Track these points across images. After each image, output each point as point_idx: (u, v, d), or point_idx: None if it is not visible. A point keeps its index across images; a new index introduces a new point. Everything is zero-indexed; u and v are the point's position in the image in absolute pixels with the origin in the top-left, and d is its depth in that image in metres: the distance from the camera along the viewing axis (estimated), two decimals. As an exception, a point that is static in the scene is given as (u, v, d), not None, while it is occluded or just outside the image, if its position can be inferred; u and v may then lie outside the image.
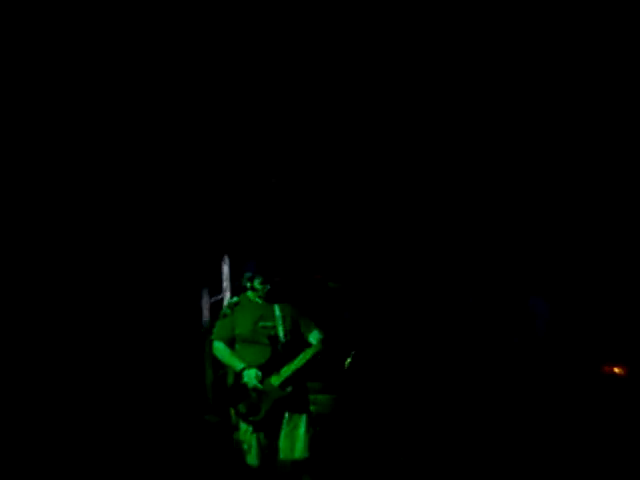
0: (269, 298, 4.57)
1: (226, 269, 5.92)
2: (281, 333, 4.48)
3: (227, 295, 5.90)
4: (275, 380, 4.41)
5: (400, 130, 6.03)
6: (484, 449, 5.07)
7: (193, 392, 5.46)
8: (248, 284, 4.59)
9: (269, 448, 4.40)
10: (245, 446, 4.41)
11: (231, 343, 4.54)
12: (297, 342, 4.51)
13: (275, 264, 4.68)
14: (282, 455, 4.38)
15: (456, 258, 6.29)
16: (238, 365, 4.43)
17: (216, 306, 5.93)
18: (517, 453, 4.77)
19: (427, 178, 6.26)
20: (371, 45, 5.28)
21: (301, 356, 4.43)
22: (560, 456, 5.01)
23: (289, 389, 4.41)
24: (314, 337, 4.52)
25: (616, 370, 5.59)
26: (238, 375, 4.41)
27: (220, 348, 4.53)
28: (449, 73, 5.55)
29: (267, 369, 4.41)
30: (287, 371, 4.41)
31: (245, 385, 4.38)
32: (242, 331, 4.51)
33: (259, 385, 4.35)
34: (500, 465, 4.76)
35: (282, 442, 4.40)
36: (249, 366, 4.39)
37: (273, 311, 4.54)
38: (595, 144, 5.82)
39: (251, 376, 4.37)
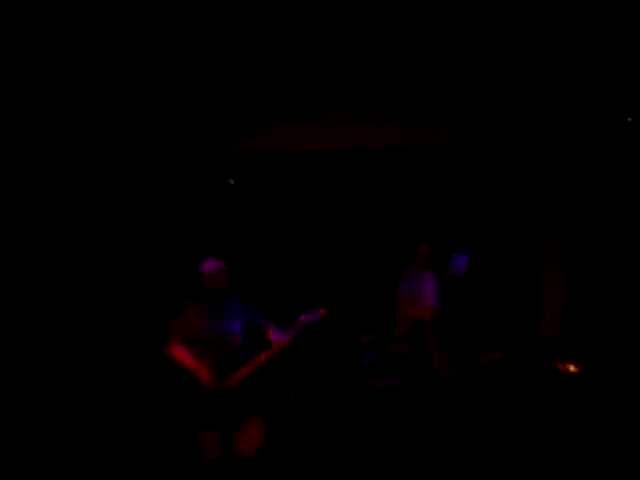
0: (228, 297, 4.54)
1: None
2: (238, 334, 4.47)
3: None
4: (233, 380, 4.40)
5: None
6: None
7: (152, 394, 5.42)
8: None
9: (227, 446, 4.41)
10: (204, 445, 4.41)
11: (188, 342, 4.48)
12: (256, 342, 4.49)
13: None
14: (240, 453, 4.40)
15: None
16: (197, 367, 4.39)
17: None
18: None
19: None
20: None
21: (260, 356, 4.42)
22: (513, 454, 5.05)
23: (246, 389, 4.40)
24: (274, 337, 4.51)
25: (570, 368, 5.64)
26: (196, 376, 4.40)
27: (179, 350, 4.48)
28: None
29: (224, 369, 4.41)
30: (245, 371, 4.41)
31: (202, 386, 4.37)
32: (199, 331, 4.46)
33: (216, 386, 4.35)
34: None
35: (240, 441, 4.41)
36: (207, 367, 4.38)
37: (232, 310, 4.52)
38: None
39: (209, 377, 4.37)
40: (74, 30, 4.72)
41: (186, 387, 4.42)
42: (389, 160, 6.26)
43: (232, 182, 5.86)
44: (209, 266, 4.49)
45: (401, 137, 5.87)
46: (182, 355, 4.43)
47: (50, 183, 5.46)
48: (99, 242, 5.68)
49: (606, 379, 5.50)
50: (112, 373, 5.59)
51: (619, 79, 5.28)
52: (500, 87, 5.61)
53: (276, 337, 4.46)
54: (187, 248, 5.71)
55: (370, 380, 5.88)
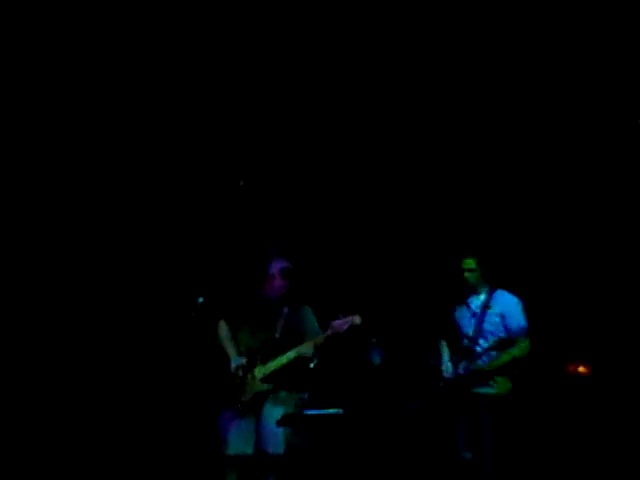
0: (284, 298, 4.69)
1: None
2: (278, 330, 4.59)
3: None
4: (259, 372, 4.45)
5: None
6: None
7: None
8: None
9: (247, 438, 4.44)
10: (223, 434, 4.46)
11: (236, 325, 4.67)
12: (292, 342, 4.56)
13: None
14: (261, 445, 4.43)
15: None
16: (231, 351, 4.54)
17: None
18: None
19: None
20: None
21: (287, 354, 4.50)
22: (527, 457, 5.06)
23: (267, 386, 4.47)
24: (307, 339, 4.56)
25: (580, 370, 5.64)
26: (226, 360, 4.52)
27: (223, 328, 4.66)
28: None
29: (254, 359, 4.50)
30: (271, 365, 4.48)
31: (230, 372, 4.46)
32: (250, 319, 4.66)
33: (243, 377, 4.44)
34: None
35: (261, 433, 4.45)
36: (239, 353, 4.52)
37: (281, 311, 4.66)
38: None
39: (236, 364, 4.46)
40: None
41: (217, 368, 4.55)
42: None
43: (242, 183, 5.88)
44: (276, 265, 4.68)
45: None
46: (225, 334, 4.63)
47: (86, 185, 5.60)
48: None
49: (616, 380, 5.52)
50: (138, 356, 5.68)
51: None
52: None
53: (307, 342, 4.55)
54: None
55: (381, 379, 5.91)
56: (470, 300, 4.90)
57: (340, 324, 4.47)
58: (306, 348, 4.49)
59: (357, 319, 4.50)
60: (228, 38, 5.17)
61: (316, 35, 5.29)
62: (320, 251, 6.34)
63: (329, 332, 4.49)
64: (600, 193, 5.81)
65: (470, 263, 4.87)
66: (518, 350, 4.68)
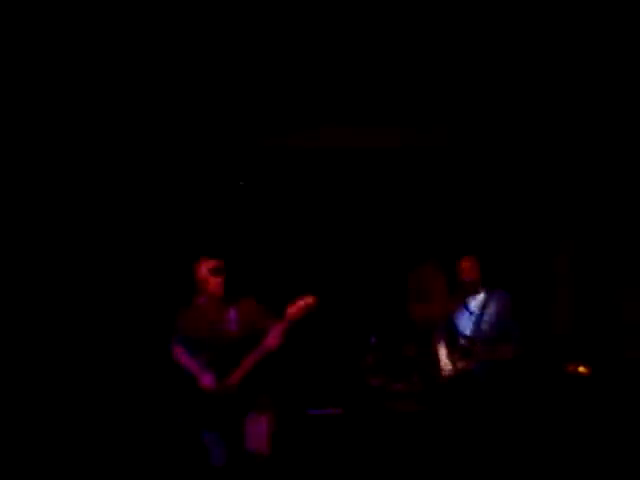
0: (226, 297, 4.53)
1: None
2: (235, 334, 4.46)
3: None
4: (232, 380, 4.41)
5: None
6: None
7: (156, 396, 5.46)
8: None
9: (233, 447, 4.41)
10: (208, 447, 4.43)
11: (188, 342, 4.52)
12: (253, 341, 4.44)
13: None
14: (246, 450, 4.40)
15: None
16: (197, 370, 4.43)
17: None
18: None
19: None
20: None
21: (254, 354, 4.40)
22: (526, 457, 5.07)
23: (244, 392, 4.42)
24: (269, 333, 4.42)
25: (580, 369, 5.64)
26: (196, 378, 4.42)
27: (180, 351, 4.53)
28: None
29: (222, 369, 4.41)
30: (242, 370, 4.40)
31: (202, 389, 4.40)
32: (197, 331, 4.49)
33: (216, 388, 4.38)
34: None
35: (246, 440, 4.41)
36: (206, 369, 4.41)
37: (230, 310, 4.50)
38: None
39: (208, 380, 4.39)
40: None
41: (186, 388, 4.45)
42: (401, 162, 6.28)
43: (242, 183, 5.87)
44: (204, 267, 4.49)
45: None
46: (182, 356, 4.49)
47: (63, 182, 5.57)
48: (105, 241, 5.77)
49: (616, 380, 5.52)
50: (115, 375, 5.64)
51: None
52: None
53: (269, 334, 4.41)
54: (193, 248, 5.76)
55: (377, 381, 5.91)
56: (468, 300, 4.95)
57: (295, 308, 4.33)
58: (269, 341, 4.37)
59: (310, 299, 4.34)
60: (228, 39, 5.17)
61: (315, 36, 5.28)
62: (320, 251, 6.39)
63: (287, 319, 4.34)
64: (600, 193, 5.82)
65: (469, 263, 4.92)
66: (513, 350, 4.73)
